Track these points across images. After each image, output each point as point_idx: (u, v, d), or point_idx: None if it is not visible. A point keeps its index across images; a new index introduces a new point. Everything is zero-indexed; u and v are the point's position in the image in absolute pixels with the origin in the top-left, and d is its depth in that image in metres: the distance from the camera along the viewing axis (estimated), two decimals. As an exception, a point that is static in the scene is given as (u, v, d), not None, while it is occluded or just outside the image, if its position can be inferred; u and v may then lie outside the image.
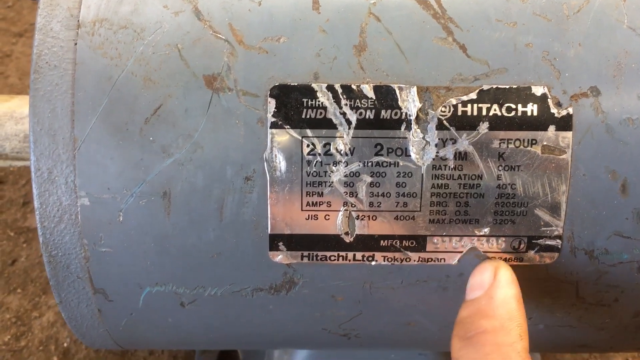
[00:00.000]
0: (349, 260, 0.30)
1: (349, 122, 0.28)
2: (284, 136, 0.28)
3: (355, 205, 0.29)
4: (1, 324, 0.49)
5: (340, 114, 0.28)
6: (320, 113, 0.28)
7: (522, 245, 0.29)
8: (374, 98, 0.28)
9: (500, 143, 0.28)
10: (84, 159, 0.28)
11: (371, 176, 0.28)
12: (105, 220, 0.29)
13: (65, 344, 0.49)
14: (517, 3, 0.29)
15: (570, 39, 0.29)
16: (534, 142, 0.28)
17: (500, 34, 0.29)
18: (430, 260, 0.30)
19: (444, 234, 0.29)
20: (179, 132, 0.28)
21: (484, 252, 0.29)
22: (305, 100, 0.28)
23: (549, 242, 0.29)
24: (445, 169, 0.28)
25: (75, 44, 0.28)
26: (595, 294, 0.31)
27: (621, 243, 0.29)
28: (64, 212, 0.28)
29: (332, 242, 0.29)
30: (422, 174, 0.28)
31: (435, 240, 0.29)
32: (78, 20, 0.28)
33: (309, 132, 0.28)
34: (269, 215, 0.29)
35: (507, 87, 0.28)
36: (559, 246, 0.29)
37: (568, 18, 0.29)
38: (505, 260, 0.29)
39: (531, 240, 0.29)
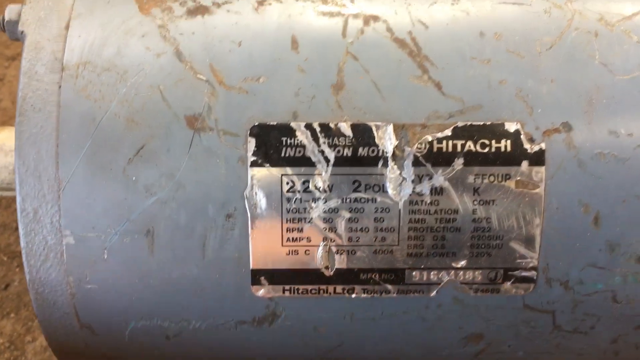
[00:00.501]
0: (330, 294, 0.30)
1: (327, 159, 0.29)
2: (264, 174, 0.29)
3: (334, 240, 0.29)
4: (-6, 349, 0.50)
5: (319, 152, 0.29)
6: (299, 151, 0.29)
7: (498, 277, 0.30)
8: (352, 136, 0.29)
9: (475, 178, 0.29)
10: (68, 199, 0.29)
11: (350, 212, 0.29)
12: (91, 258, 0.29)
13: (58, 367, 0.49)
14: (491, 40, 0.30)
15: (543, 76, 0.29)
16: (507, 177, 0.29)
17: (474, 71, 0.29)
18: (409, 292, 0.30)
19: (422, 266, 0.30)
20: (162, 172, 0.28)
21: (461, 283, 0.30)
22: (284, 139, 0.29)
23: (524, 274, 0.30)
24: (422, 204, 0.29)
25: (60, 86, 0.29)
26: (572, 322, 0.31)
27: (595, 273, 0.30)
28: (50, 251, 0.29)
29: (312, 276, 0.30)
30: (400, 209, 0.29)
31: (414, 273, 0.30)
32: (62, 64, 0.29)
33: (288, 170, 0.29)
34: (250, 251, 0.29)
35: (482, 123, 0.29)
36: (535, 277, 0.30)
37: (540, 55, 0.30)
38: (482, 291, 0.30)
39: (507, 272, 0.30)
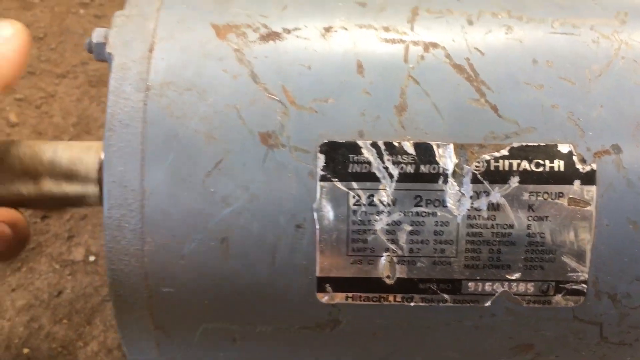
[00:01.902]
0: (390, 301, 0.32)
1: (391, 175, 0.31)
2: (332, 188, 0.31)
3: (396, 252, 0.31)
4: (48, 353, 0.52)
5: (383, 168, 0.31)
6: (365, 167, 0.31)
7: (550, 289, 0.32)
8: (414, 154, 0.31)
9: (530, 195, 0.31)
10: (151, 208, 0.31)
11: (411, 225, 0.31)
12: (169, 264, 0.31)
13: (105, 372, 0.52)
14: (544, 67, 0.32)
15: (593, 101, 0.31)
16: (560, 195, 0.31)
17: (528, 95, 0.31)
18: (464, 302, 0.32)
19: (478, 278, 0.32)
20: (237, 184, 0.31)
21: (514, 294, 0.32)
22: (351, 155, 0.31)
23: (575, 287, 0.32)
24: (479, 219, 0.31)
25: (145, 104, 0.31)
26: (618, 334, 0.33)
27: (642, 288, 0.31)
28: (132, 257, 0.31)
29: (374, 285, 0.32)
30: (458, 223, 0.31)
31: (470, 284, 0.32)
32: (147, 83, 0.31)
33: (354, 184, 0.31)
34: (317, 260, 0.31)
35: (536, 144, 0.31)
36: (584, 290, 0.32)
37: (590, 81, 0.32)
38: (534, 302, 0.32)
39: (558, 284, 0.32)
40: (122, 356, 0.53)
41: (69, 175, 0.35)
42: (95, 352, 0.52)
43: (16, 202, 0.36)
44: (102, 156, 0.35)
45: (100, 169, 0.35)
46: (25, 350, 0.52)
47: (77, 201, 0.36)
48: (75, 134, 0.65)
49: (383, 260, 0.31)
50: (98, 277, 0.57)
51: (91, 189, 0.35)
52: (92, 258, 0.57)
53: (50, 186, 0.35)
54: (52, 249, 0.57)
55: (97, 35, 0.33)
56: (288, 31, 0.33)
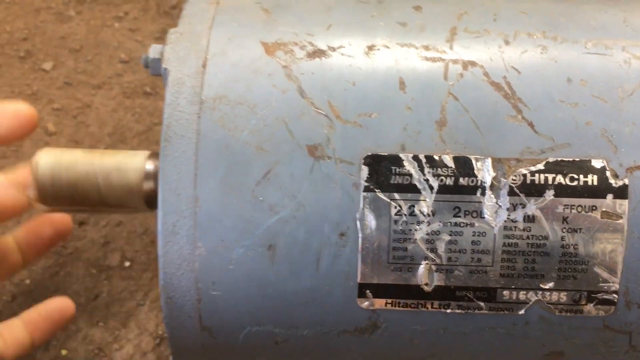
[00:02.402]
0: (427, 308, 0.34)
1: (431, 187, 0.32)
2: (374, 198, 0.32)
3: (434, 260, 0.33)
4: (85, 354, 0.53)
5: (424, 180, 0.32)
6: (407, 179, 0.32)
7: (582, 299, 0.33)
8: (454, 167, 0.32)
9: (564, 208, 0.32)
10: (203, 215, 0.33)
11: (450, 235, 0.33)
12: (218, 268, 0.33)
13: (138, 375, 0.53)
14: (578, 86, 0.33)
15: (625, 119, 0.33)
16: (594, 208, 0.32)
17: (563, 113, 0.33)
18: (499, 309, 0.33)
19: (513, 286, 0.33)
20: (285, 193, 0.32)
21: (547, 303, 0.33)
22: (393, 168, 0.32)
23: (606, 297, 0.33)
24: (515, 230, 0.32)
25: (199, 117, 0.33)
26: (648, 343, 0.34)
27: (672, 299, 0.33)
28: (184, 261, 0.33)
29: (413, 291, 0.33)
30: (495, 234, 0.32)
31: (505, 292, 0.33)
32: (201, 97, 0.33)
33: (396, 195, 0.32)
34: (359, 267, 0.33)
35: (571, 159, 0.32)
36: (615, 300, 0.33)
37: (622, 100, 0.33)
38: (566, 311, 0.33)
39: (590, 294, 0.33)
40: (157, 359, 0.55)
41: (117, 172, 0.36)
42: (130, 355, 0.54)
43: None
44: (147, 167, 0.36)
45: (144, 180, 0.36)
46: (64, 352, 0.54)
47: (122, 210, 0.38)
48: (111, 143, 0.67)
49: (422, 268, 0.33)
50: (133, 282, 0.58)
51: (137, 200, 0.36)
52: (127, 264, 0.59)
53: (100, 202, 0.37)
54: (89, 254, 0.59)
55: (153, 51, 0.35)
56: (333, 49, 0.35)
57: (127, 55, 0.74)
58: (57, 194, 0.37)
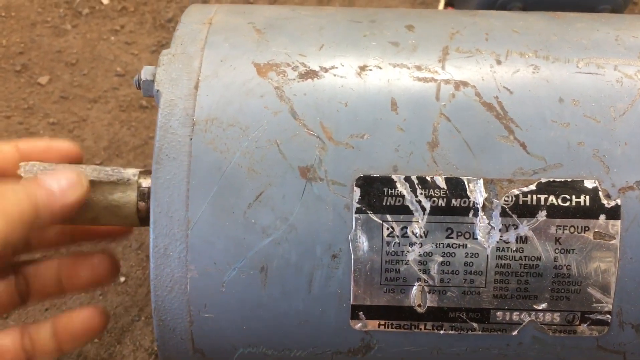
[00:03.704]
0: (420, 329, 0.33)
1: (423, 208, 0.32)
2: (367, 220, 0.32)
3: (427, 281, 0.33)
4: (81, 372, 0.53)
5: (416, 201, 0.32)
6: (399, 201, 0.32)
7: (575, 319, 0.33)
8: (446, 188, 0.32)
9: (557, 229, 0.32)
10: (195, 237, 0.32)
11: (442, 256, 0.32)
12: (210, 290, 0.33)
13: (134, 391, 0.53)
14: (570, 106, 0.33)
15: (617, 138, 0.33)
16: (586, 228, 0.32)
17: (555, 133, 0.33)
18: (492, 330, 0.33)
19: (506, 307, 0.33)
20: (277, 216, 0.32)
21: (541, 324, 0.33)
22: (385, 189, 0.32)
23: (599, 317, 0.33)
24: (507, 251, 0.32)
25: (191, 139, 0.33)
26: (642, 363, 0.34)
27: (665, 319, 0.33)
28: (175, 283, 0.33)
29: (406, 313, 0.33)
30: (488, 255, 0.32)
31: (498, 313, 0.33)
32: (193, 119, 0.33)
33: (388, 217, 0.32)
34: (351, 288, 0.33)
35: (563, 180, 0.32)
36: (609, 321, 0.33)
37: (615, 120, 0.33)
38: (559, 332, 0.33)
39: (584, 314, 0.33)
40: (152, 376, 0.54)
41: (113, 182, 0.35)
42: (125, 372, 0.54)
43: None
44: (143, 184, 0.36)
45: (138, 198, 0.36)
46: (59, 369, 0.54)
47: (119, 211, 0.37)
48: (107, 157, 0.67)
49: (415, 289, 0.33)
50: (128, 297, 0.58)
51: (131, 216, 0.36)
52: (122, 279, 0.59)
53: (96, 196, 0.36)
54: (84, 269, 0.59)
55: (145, 72, 0.35)
56: (325, 69, 0.35)
57: (123, 69, 0.74)
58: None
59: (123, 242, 0.61)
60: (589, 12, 0.44)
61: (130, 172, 0.36)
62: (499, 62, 0.35)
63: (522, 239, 0.32)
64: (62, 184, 0.33)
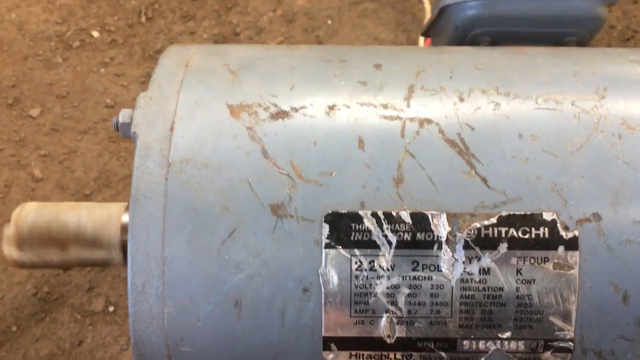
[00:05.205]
0: (391, 359, 0.35)
1: (390, 243, 0.34)
2: (336, 255, 0.34)
3: (395, 312, 0.34)
4: (70, 402, 0.54)
5: (383, 236, 0.34)
6: (366, 235, 0.34)
7: (539, 347, 0.34)
8: (411, 223, 0.34)
9: (517, 260, 0.33)
10: (171, 274, 0.34)
11: (409, 288, 0.34)
12: (187, 325, 0.34)
13: (123, 419, 0.54)
14: (529, 141, 0.35)
15: (574, 172, 0.34)
16: (546, 259, 0.33)
17: (515, 167, 0.34)
18: (460, 359, 0.34)
19: (472, 336, 0.34)
20: (250, 252, 0.34)
21: (506, 352, 0.34)
22: (353, 224, 0.34)
23: (562, 344, 0.34)
24: (471, 282, 0.34)
25: (166, 179, 0.34)
26: (606, 388, 0.35)
27: (625, 345, 0.34)
28: (153, 318, 0.34)
29: (376, 343, 0.34)
30: (452, 286, 0.34)
31: (464, 342, 0.34)
32: (168, 160, 0.35)
33: (356, 251, 0.34)
34: (323, 321, 0.34)
35: (522, 213, 0.34)
36: (571, 348, 0.34)
37: (572, 154, 0.35)
38: (525, 359, 0.34)
39: (547, 342, 0.34)
40: (140, 404, 0.55)
41: (94, 243, 0.38)
42: (114, 400, 0.55)
43: (45, 267, 0.39)
44: (123, 220, 0.38)
45: (122, 234, 0.38)
46: (48, 399, 0.55)
47: (102, 264, 0.39)
48: (96, 187, 0.69)
49: (383, 320, 0.34)
50: (117, 326, 0.59)
51: (115, 254, 0.38)
52: (111, 308, 0.60)
53: (77, 252, 0.38)
54: (74, 299, 0.60)
55: (123, 115, 0.37)
56: (296, 109, 0.36)
57: (112, 100, 0.76)
58: (33, 240, 0.38)
59: (112, 271, 0.62)
60: (556, 45, 0.45)
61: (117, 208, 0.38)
62: (461, 100, 0.37)
63: (484, 271, 0.34)
64: None
